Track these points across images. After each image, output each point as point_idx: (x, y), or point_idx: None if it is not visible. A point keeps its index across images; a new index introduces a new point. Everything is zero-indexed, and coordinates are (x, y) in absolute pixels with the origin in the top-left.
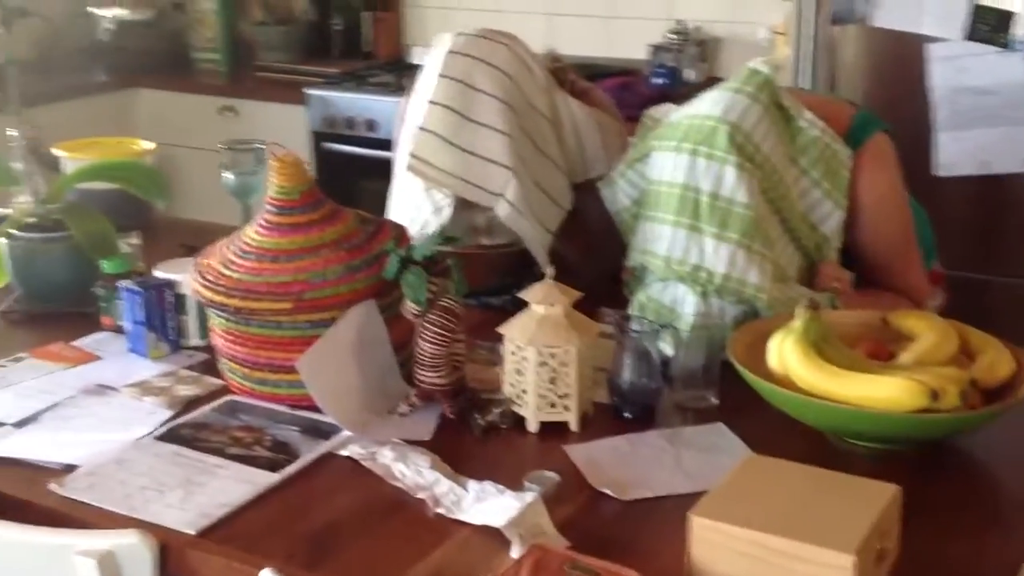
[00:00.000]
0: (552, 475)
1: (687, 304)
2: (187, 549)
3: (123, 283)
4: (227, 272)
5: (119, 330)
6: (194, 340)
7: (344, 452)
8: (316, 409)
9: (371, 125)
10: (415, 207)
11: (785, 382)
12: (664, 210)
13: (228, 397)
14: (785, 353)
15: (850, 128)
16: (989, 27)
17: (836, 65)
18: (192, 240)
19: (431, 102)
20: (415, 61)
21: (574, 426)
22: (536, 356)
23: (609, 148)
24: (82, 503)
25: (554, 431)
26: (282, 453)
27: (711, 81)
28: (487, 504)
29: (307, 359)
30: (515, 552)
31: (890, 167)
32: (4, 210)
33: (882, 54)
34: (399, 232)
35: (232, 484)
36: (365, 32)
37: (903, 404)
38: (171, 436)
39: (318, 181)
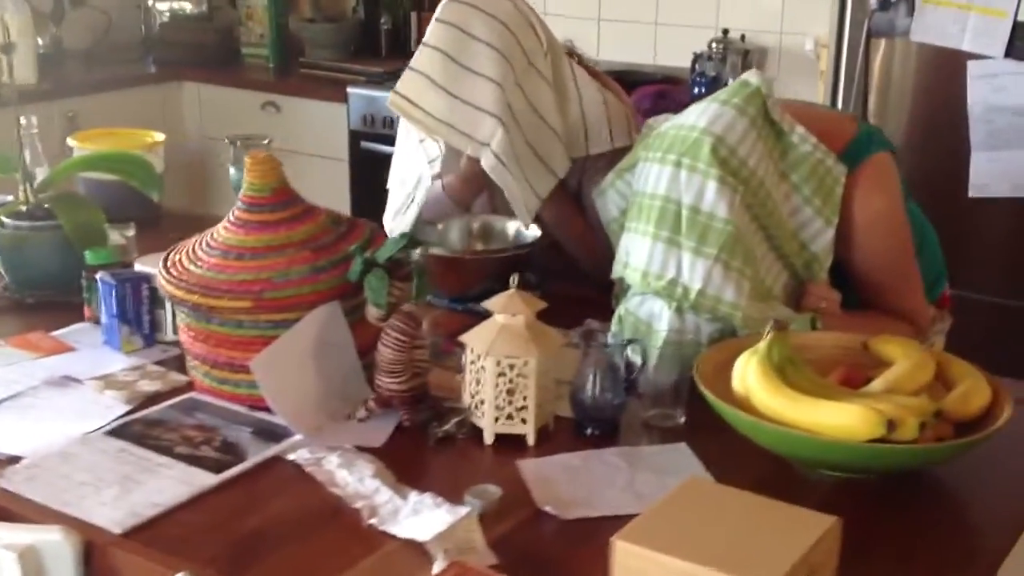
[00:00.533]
0: (495, 489)
1: (662, 320)
2: (111, 548)
3: (100, 275)
4: (191, 268)
5: (99, 322)
6: (169, 335)
7: (291, 456)
8: None
9: None
10: (410, 165)
11: (746, 404)
12: (645, 222)
13: (189, 395)
14: (747, 375)
15: (850, 145)
16: None
17: (878, 79)
18: (194, 233)
19: (423, 44)
20: None
21: (531, 439)
22: (494, 366)
23: (614, 127)
24: (18, 496)
25: (511, 444)
26: (229, 454)
27: None
28: (421, 517)
29: (262, 359)
30: (436, 567)
31: (888, 187)
32: (6, 197)
33: (926, 70)
34: (371, 233)
35: (170, 484)
36: (412, 32)
37: (858, 433)
38: (122, 432)
39: (353, 179)
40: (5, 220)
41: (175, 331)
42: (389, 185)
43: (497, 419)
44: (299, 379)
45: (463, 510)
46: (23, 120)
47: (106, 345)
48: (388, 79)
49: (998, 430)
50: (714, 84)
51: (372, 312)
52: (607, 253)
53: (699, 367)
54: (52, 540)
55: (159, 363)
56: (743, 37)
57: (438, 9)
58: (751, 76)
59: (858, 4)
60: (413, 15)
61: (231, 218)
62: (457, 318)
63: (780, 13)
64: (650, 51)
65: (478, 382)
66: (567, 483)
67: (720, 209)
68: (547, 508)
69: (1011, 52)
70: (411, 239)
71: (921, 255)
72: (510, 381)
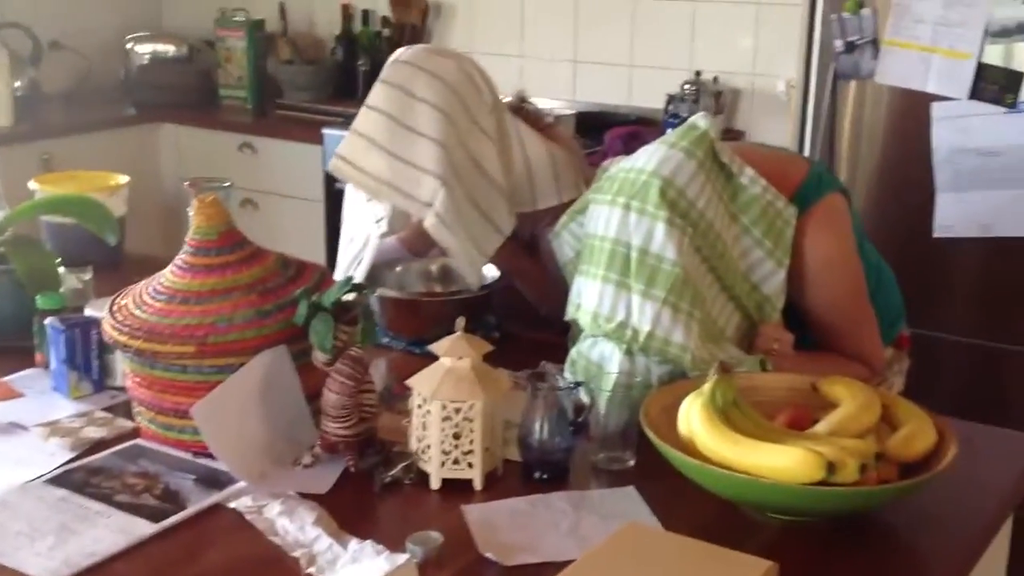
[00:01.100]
0: (437, 536)
1: (613, 362)
2: None
3: (48, 320)
4: (137, 312)
5: (49, 367)
6: (119, 380)
7: (233, 504)
8: None
9: None
10: (359, 222)
11: (691, 447)
12: (595, 264)
13: (135, 441)
14: (691, 418)
15: (800, 186)
16: (997, 87)
17: (847, 121)
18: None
19: (367, 106)
20: None
21: (478, 484)
22: (440, 410)
23: (561, 181)
24: None
25: (459, 488)
26: (170, 502)
27: (726, 133)
28: (360, 565)
29: (203, 405)
30: None
31: (839, 229)
32: None
33: (893, 112)
34: (319, 277)
35: (108, 533)
36: None
37: (798, 475)
38: (63, 480)
39: (329, 220)
40: None
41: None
42: (340, 243)
43: (444, 464)
44: (243, 425)
45: (403, 558)
46: None
47: (55, 391)
48: None
49: (941, 472)
50: None
51: (318, 356)
52: (565, 295)
53: (646, 409)
54: None
55: (108, 409)
56: (716, 79)
57: (383, 71)
58: (699, 119)
59: (824, 47)
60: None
61: (178, 262)
62: (415, 361)
63: (752, 55)
64: (625, 92)
65: (424, 426)
66: (511, 528)
67: (669, 251)
68: (488, 554)
69: (975, 94)
70: (356, 284)
71: (877, 296)
72: (456, 425)
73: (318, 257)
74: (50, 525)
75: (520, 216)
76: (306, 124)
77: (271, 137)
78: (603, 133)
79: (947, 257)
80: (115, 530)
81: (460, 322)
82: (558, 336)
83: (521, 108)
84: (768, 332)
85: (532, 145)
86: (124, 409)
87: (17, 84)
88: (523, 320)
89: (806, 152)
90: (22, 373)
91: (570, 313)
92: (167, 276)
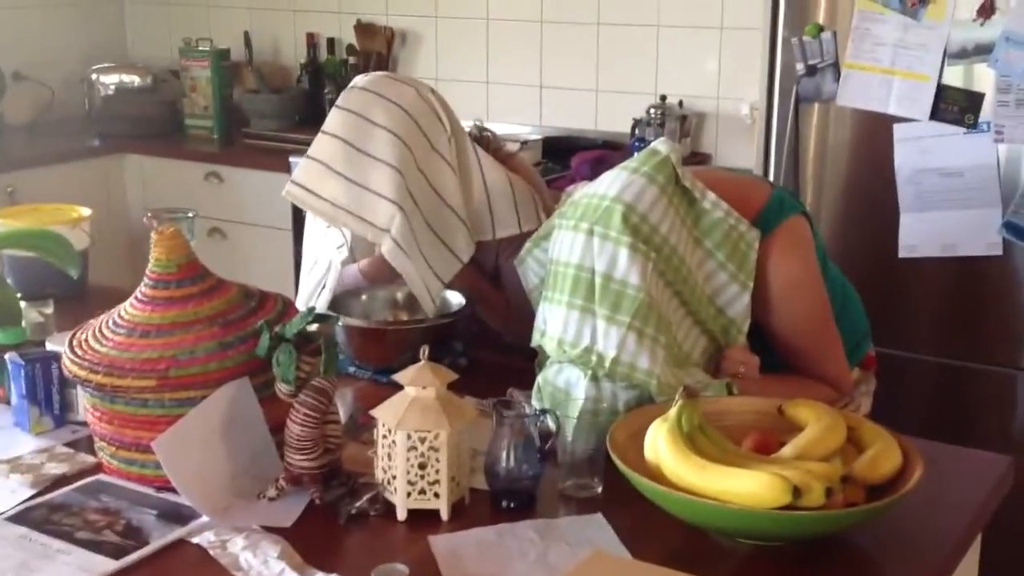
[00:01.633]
0: (403, 568)
1: (579, 388)
2: None
3: (8, 355)
4: (97, 346)
5: (10, 402)
6: (81, 415)
7: (196, 539)
8: None
9: None
10: (321, 249)
11: (657, 473)
12: (560, 291)
13: (96, 476)
14: (657, 443)
15: (763, 210)
16: (957, 108)
17: (811, 143)
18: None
19: (323, 132)
20: None
21: (444, 514)
22: (405, 440)
23: (521, 210)
24: None
25: (426, 519)
26: (132, 539)
27: (692, 156)
28: None
29: (165, 439)
30: None
31: (802, 251)
32: None
33: (856, 134)
34: (282, 307)
35: (69, 571)
36: None
37: (764, 500)
38: (23, 517)
39: (297, 249)
40: None
41: None
42: (302, 270)
43: (410, 494)
44: (206, 458)
45: None
46: None
47: (16, 426)
48: None
49: (907, 494)
50: None
51: (282, 388)
52: (531, 322)
53: (612, 436)
54: None
55: (69, 444)
56: (681, 103)
57: (340, 97)
58: (660, 144)
59: (786, 70)
60: None
61: (138, 295)
62: (381, 390)
63: (716, 79)
64: (591, 117)
65: (390, 457)
66: (478, 558)
67: (633, 276)
68: None
69: (936, 115)
70: (318, 314)
71: (842, 317)
72: (421, 455)
73: (287, 285)
74: (10, 563)
75: (482, 246)
76: (273, 153)
77: (237, 166)
78: (570, 158)
79: (912, 277)
80: (76, 568)
81: (424, 350)
82: (526, 361)
83: (482, 137)
84: (734, 355)
85: (492, 173)
86: (86, 444)
87: None
88: (491, 346)
89: (771, 175)
90: None
91: (536, 339)
92: (127, 309)
